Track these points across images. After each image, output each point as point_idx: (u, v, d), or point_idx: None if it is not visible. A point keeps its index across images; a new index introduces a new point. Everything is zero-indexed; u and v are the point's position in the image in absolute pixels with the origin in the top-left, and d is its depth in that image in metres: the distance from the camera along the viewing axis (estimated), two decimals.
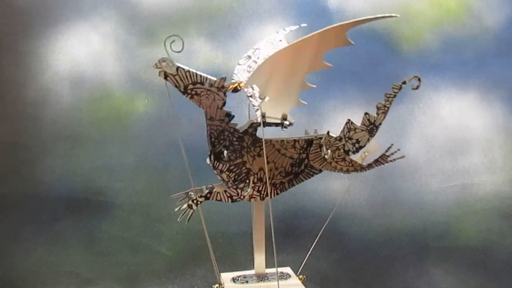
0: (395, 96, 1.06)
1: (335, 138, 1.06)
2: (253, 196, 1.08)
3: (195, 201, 1.05)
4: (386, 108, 1.06)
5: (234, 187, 1.06)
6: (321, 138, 1.06)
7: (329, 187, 1.81)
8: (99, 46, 1.84)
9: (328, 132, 1.06)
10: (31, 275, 1.60)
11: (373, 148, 1.09)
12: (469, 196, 1.87)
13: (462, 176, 1.89)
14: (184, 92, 0.97)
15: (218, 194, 1.06)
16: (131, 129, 1.82)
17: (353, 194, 1.84)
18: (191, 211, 1.05)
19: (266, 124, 1.04)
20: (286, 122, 1.06)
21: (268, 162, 1.05)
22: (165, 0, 1.86)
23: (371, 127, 1.07)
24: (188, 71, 0.95)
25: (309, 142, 1.07)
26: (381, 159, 1.09)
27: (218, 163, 1.03)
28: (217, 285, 1.13)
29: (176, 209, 1.05)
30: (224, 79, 0.97)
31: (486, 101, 1.94)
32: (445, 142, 1.92)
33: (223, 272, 1.18)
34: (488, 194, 1.88)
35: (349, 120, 1.06)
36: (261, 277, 1.15)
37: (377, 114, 1.07)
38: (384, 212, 1.82)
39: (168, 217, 1.73)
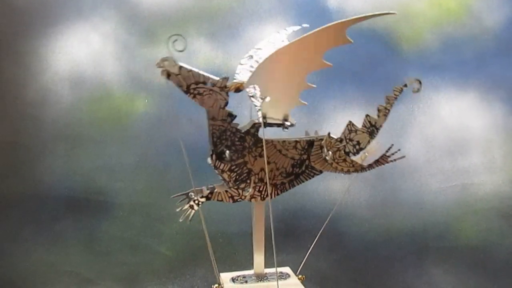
0: (396, 98, 1.06)
1: (336, 139, 1.06)
2: (254, 196, 1.08)
3: (196, 202, 1.05)
4: (387, 111, 1.07)
5: (235, 187, 1.06)
6: (322, 139, 1.06)
7: (329, 187, 1.81)
8: (99, 46, 1.84)
9: (329, 133, 1.06)
10: (31, 275, 1.60)
11: (373, 148, 1.09)
12: (469, 196, 1.87)
13: (462, 176, 1.89)
14: (187, 91, 0.97)
15: (219, 195, 1.06)
16: (131, 129, 1.82)
17: (353, 194, 1.84)
18: (193, 211, 1.05)
19: (267, 124, 1.04)
20: (288, 123, 1.06)
21: (269, 163, 1.05)
22: (165, 0, 1.86)
23: (372, 129, 1.07)
24: (191, 70, 0.95)
25: (310, 143, 1.07)
26: (382, 160, 1.09)
27: (219, 163, 1.03)
28: (216, 285, 1.13)
29: (178, 210, 1.05)
30: (226, 79, 0.97)
31: (486, 101, 1.94)
32: (445, 142, 1.92)
33: (223, 272, 1.18)
34: (488, 194, 1.88)
35: (350, 121, 1.06)
36: (261, 277, 1.15)
37: (378, 116, 1.07)
38: (384, 212, 1.82)
39: (168, 217, 1.73)
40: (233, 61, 1.83)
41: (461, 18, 1.96)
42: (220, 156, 1.02)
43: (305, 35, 0.91)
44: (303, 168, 1.09)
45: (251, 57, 1.10)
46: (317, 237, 1.21)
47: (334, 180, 1.78)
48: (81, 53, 1.83)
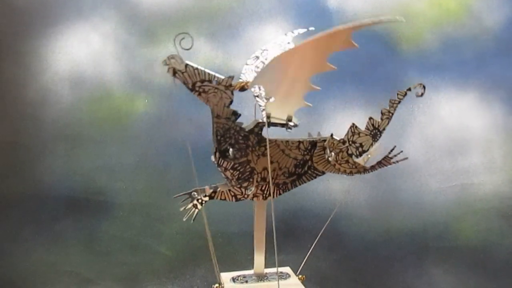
0: (399, 102, 1.06)
1: (339, 141, 1.07)
2: (256, 195, 1.08)
3: (199, 201, 1.06)
4: (390, 114, 1.07)
5: (238, 185, 1.06)
6: (325, 141, 1.06)
7: (329, 187, 1.81)
8: (99, 46, 1.84)
9: (331, 135, 1.07)
10: (31, 275, 1.60)
11: (376, 150, 1.09)
12: (469, 196, 1.87)
13: (461, 176, 1.90)
14: (192, 89, 0.97)
15: (222, 194, 1.07)
16: (131, 129, 1.82)
17: (353, 194, 1.84)
18: (196, 210, 1.06)
19: (271, 124, 1.05)
20: (291, 123, 1.07)
21: (272, 162, 1.05)
22: (165, 0, 1.86)
23: (375, 132, 1.07)
24: (197, 68, 0.96)
25: (313, 144, 1.07)
26: (384, 161, 1.09)
27: (223, 161, 1.03)
28: (216, 285, 1.13)
29: (181, 209, 1.06)
30: (232, 77, 0.98)
31: (486, 101, 1.94)
32: (444, 142, 1.92)
33: (223, 272, 1.18)
34: (488, 194, 1.88)
35: (353, 124, 1.07)
36: (261, 277, 1.15)
37: (382, 119, 1.07)
38: (384, 212, 1.83)
39: (168, 217, 1.73)
40: (233, 61, 1.83)
41: (461, 18, 1.96)
42: (223, 154, 1.03)
43: (311, 38, 0.91)
44: (306, 169, 1.09)
45: (257, 57, 1.11)
46: (318, 237, 1.21)
47: (334, 180, 1.78)
48: (81, 53, 1.83)
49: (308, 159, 1.08)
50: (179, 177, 1.75)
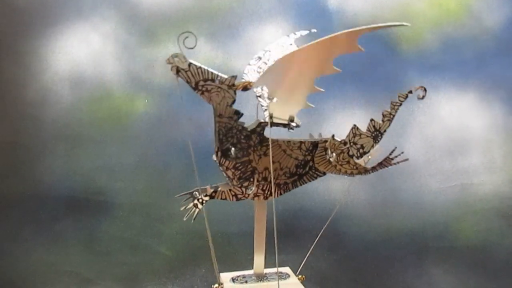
0: (401, 104, 1.07)
1: (340, 142, 1.07)
2: (257, 194, 1.08)
3: (200, 200, 1.06)
4: (391, 116, 1.07)
5: (239, 185, 1.06)
6: (326, 141, 1.07)
7: (329, 187, 1.81)
8: (99, 46, 1.84)
9: (333, 136, 1.07)
10: (31, 275, 1.60)
11: (376, 151, 1.10)
12: (469, 196, 1.87)
13: (461, 176, 1.90)
14: (195, 88, 0.98)
15: (223, 193, 1.07)
16: (131, 129, 1.82)
17: (353, 194, 1.84)
18: (197, 210, 1.06)
19: (273, 124, 1.05)
20: (293, 124, 1.07)
21: (273, 162, 1.05)
22: (165, 0, 1.86)
23: (376, 133, 1.08)
24: (200, 67, 0.96)
25: (315, 144, 1.07)
26: (385, 162, 1.10)
27: (224, 160, 1.04)
28: (216, 285, 1.13)
29: (182, 208, 1.06)
30: (235, 77, 0.99)
31: (486, 101, 1.94)
32: (444, 142, 1.92)
33: (223, 272, 1.18)
34: (488, 194, 1.88)
35: (354, 125, 1.07)
36: (260, 277, 1.15)
37: (383, 121, 1.08)
38: (384, 212, 1.83)
39: (168, 217, 1.73)
40: (233, 61, 1.83)
41: (461, 18, 1.96)
42: (225, 153, 1.03)
43: (317, 40, 0.91)
44: (307, 169, 1.09)
45: (259, 58, 1.12)
46: (318, 237, 1.21)
47: (334, 180, 1.78)
48: (81, 53, 1.83)
49: (309, 159, 1.08)
50: (179, 177, 1.75)
